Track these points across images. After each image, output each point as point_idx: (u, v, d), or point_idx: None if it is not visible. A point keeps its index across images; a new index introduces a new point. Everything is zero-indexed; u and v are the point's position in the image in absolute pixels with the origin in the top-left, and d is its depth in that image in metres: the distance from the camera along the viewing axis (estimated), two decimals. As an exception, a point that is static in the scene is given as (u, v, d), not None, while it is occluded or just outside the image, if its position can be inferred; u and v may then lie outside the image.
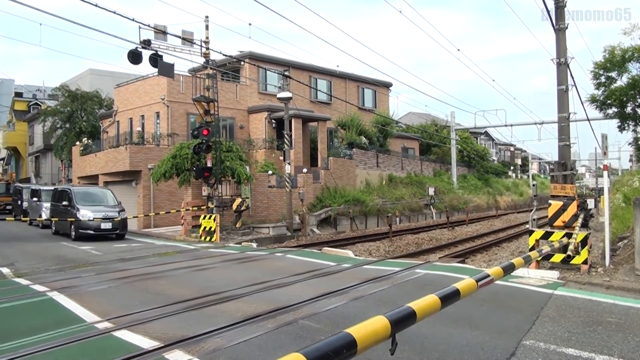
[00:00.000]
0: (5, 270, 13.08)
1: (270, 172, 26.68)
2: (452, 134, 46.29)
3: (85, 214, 20.62)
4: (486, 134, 65.64)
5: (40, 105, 48.57)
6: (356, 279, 10.04)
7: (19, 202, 32.54)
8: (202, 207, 21.69)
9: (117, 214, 21.28)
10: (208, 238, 20.10)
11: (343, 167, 32.23)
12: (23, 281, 11.23)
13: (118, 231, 21.20)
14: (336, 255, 14.87)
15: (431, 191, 36.44)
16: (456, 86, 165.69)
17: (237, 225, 22.26)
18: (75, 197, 21.55)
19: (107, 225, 20.75)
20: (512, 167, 68.92)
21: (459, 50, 33.57)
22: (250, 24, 25.82)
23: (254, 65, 31.29)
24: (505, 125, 44.43)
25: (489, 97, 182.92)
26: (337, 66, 36.66)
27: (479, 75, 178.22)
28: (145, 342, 5.92)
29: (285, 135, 24.53)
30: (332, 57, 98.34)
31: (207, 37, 21.44)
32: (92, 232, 20.46)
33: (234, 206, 21.94)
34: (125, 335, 6.33)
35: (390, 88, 44.37)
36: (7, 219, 24.62)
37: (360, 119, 37.12)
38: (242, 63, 31.72)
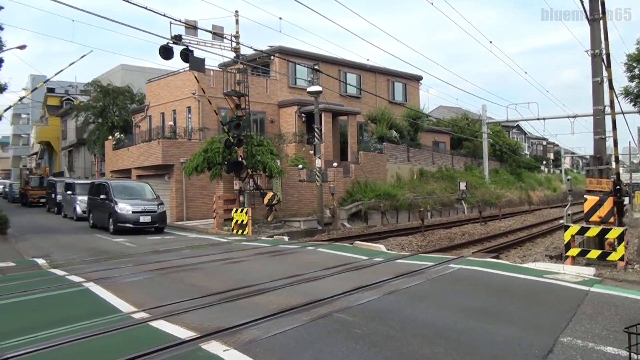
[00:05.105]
0: (41, 261, 13.33)
1: (300, 166, 26.72)
2: (484, 127, 45.73)
3: (124, 207, 20.47)
4: (518, 127, 64.69)
5: (73, 101, 49.31)
6: (389, 273, 9.98)
7: (53, 195, 33.14)
8: (233, 200, 21.90)
9: (155, 208, 21.16)
10: (240, 231, 20.21)
11: (373, 161, 32.13)
12: (59, 272, 11.43)
13: (157, 225, 21.02)
14: (368, 249, 14.81)
15: (462, 186, 36.08)
16: (488, 79, 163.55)
17: (269, 219, 22.33)
18: (113, 190, 21.45)
19: (146, 219, 20.59)
20: (544, 162, 67.85)
21: (491, 42, 33.22)
22: (280, 18, 25.90)
23: (284, 59, 31.33)
24: (538, 119, 43.72)
25: (521, 90, 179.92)
26: (367, 60, 36.47)
27: (512, 67, 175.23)
28: (182, 333, 5.98)
29: (316, 129, 24.50)
30: (362, 50, 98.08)
31: (237, 32, 21.52)
32: (130, 225, 20.29)
33: (266, 200, 22.00)
34: (162, 325, 6.40)
35: (420, 81, 43.95)
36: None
37: (390, 113, 36.92)
38: (272, 57, 31.73)
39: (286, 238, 19.22)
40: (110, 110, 39.42)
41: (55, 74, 20.88)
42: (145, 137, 31.33)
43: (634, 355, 2.09)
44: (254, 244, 16.63)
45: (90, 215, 23.61)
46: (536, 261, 12.47)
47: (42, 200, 37.63)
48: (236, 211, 20.79)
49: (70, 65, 18.93)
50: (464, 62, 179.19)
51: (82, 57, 18.64)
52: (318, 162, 23.93)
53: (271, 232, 21.01)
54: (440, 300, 7.88)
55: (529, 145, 69.51)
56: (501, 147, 49.93)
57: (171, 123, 30.43)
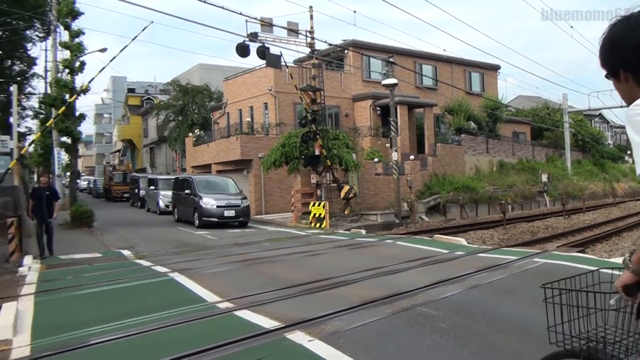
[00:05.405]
0: (127, 253, 13.91)
1: (376, 159, 26.58)
2: (565, 117, 43.95)
3: (208, 202, 20.83)
4: (600, 116, 61.89)
5: (153, 100, 51.04)
6: (471, 267, 9.76)
7: (136, 190, 34.42)
8: (311, 193, 22.07)
9: (239, 202, 21.46)
10: (318, 224, 20.34)
11: (451, 153, 31.56)
12: (144, 262, 11.89)
13: (241, 219, 21.27)
14: (448, 242, 14.55)
15: (544, 178, 34.80)
16: (568, 66, 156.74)
17: (346, 212, 22.35)
18: (197, 185, 21.92)
19: (230, 213, 20.89)
20: (628, 152, 64.56)
21: (572, 27, 31.90)
22: (355, 12, 25.83)
23: (358, 53, 31.19)
24: (621, 107, 41.44)
25: (603, 76, 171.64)
26: (444, 50, 35.70)
27: (593, 52, 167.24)
28: (266, 322, 6.06)
29: (391, 122, 24.27)
30: (439, 41, 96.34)
31: (311, 27, 21.64)
32: (216, 219, 20.62)
33: (342, 193, 22.04)
34: (246, 315, 6.52)
35: (498, 71, 42.75)
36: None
37: (467, 104, 36.07)
38: (346, 51, 31.68)
39: (363, 231, 19.19)
40: (189, 108, 40.61)
41: (122, 49, 21.85)
42: (224, 133, 32.08)
43: (549, 306, 2.40)
44: (332, 237, 16.70)
45: (175, 209, 24.29)
46: (623, 256, 11.90)
47: (125, 195, 39.20)
48: (314, 205, 20.95)
49: (133, 39, 19.67)
50: (543, 48, 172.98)
51: (143, 30, 19.50)
52: (395, 155, 23.70)
53: (348, 225, 21.02)
54: (525, 296, 7.63)
55: (612, 135, 66.40)
56: (583, 137, 47.91)
57: (249, 119, 30.96)
